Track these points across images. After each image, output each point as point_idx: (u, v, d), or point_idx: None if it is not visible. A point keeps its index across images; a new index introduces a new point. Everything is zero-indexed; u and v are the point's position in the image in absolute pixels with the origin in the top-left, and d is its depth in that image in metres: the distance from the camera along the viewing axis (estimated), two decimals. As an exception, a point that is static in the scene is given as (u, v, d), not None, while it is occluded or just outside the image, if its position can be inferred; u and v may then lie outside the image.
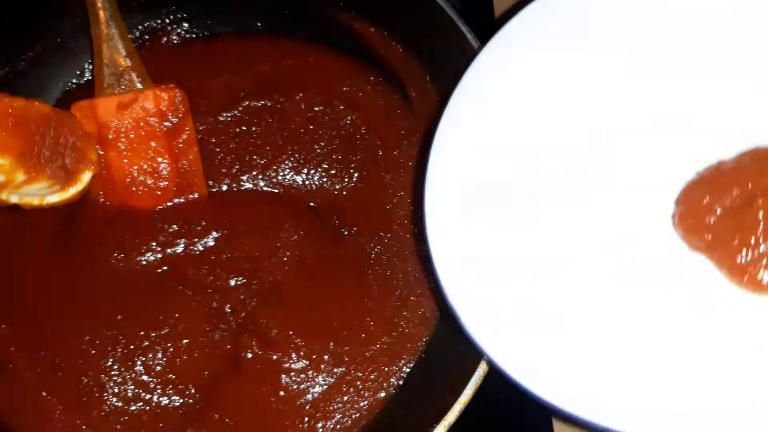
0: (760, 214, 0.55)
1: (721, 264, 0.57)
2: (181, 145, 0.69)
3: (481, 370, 0.57)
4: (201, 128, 0.71)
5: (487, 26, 0.84)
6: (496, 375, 0.54)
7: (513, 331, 0.55)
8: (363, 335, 0.67)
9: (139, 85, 0.68)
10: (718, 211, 0.57)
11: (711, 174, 0.59)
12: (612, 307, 0.57)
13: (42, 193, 0.62)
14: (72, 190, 0.64)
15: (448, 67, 0.68)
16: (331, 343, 0.66)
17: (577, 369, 0.54)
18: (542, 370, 0.54)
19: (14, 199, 0.59)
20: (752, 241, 0.55)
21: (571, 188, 0.60)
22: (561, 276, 0.58)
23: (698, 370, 0.54)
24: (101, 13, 0.66)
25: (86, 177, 0.64)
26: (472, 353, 0.57)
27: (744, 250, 0.56)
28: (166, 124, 0.68)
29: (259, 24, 0.77)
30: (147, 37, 0.76)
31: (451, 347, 0.64)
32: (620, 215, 0.59)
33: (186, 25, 0.77)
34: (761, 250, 0.55)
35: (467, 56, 0.63)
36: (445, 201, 0.59)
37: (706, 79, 0.60)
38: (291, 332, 0.65)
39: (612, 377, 0.54)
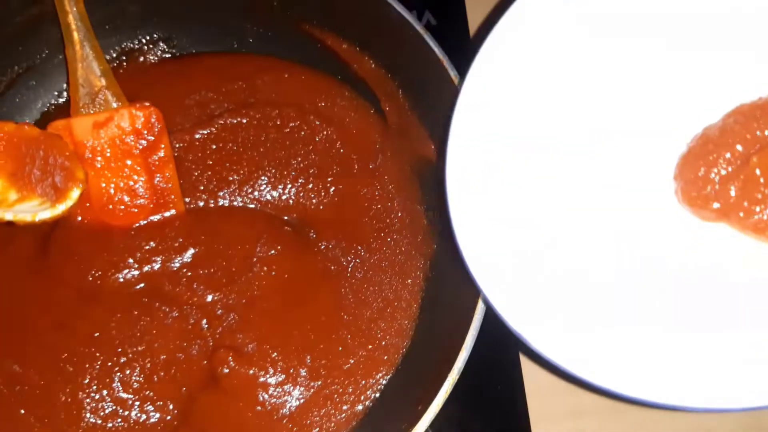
0: (758, 171, 0.56)
1: (742, 227, 0.58)
2: (157, 163, 0.69)
3: (451, 378, 0.57)
4: (177, 146, 0.72)
5: (463, 41, 0.86)
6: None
7: (513, 278, 0.57)
8: (340, 348, 0.67)
9: (114, 105, 0.69)
10: (717, 179, 0.58)
11: (698, 144, 0.60)
12: (611, 267, 0.59)
13: (34, 210, 0.64)
14: (62, 207, 0.65)
15: (419, 81, 0.69)
16: (308, 357, 0.66)
17: (565, 318, 0.57)
18: (534, 316, 0.56)
19: (8, 216, 0.61)
20: (760, 196, 0.56)
21: (576, 168, 0.61)
22: (564, 232, 0.60)
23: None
24: (75, 34, 0.67)
25: (75, 194, 0.66)
26: (446, 363, 0.58)
27: (758, 208, 0.56)
28: (142, 142, 0.69)
29: (235, 44, 0.78)
30: (124, 57, 0.77)
31: (427, 357, 0.65)
32: (626, 196, 0.61)
33: (163, 44, 0.77)
34: None
35: (436, 70, 0.64)
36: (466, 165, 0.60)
37: (686, 53, 0.61)
38: (267, 347, 0.66)
39: (601, 333, 0.56)
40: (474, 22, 0.86)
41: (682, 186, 0.59)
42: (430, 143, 0.70)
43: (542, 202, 0.60)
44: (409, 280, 0.70)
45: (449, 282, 0.67)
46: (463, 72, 0.61)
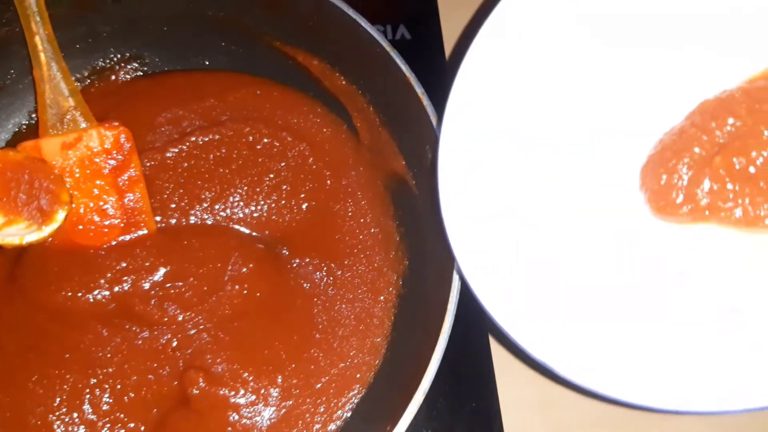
0: (722, 171, 0.56)
1: (731, 225, 0.58)
2: (127, 182, 0.69)
3: (417, 398, 0.56)
4: (148, 164, 0.72)
5: (437, 54, 0.86)
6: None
7: (496, 270, 0.58)
8: (312, 367, 0.67)
9: (83, 125, 0.69)
10: (680, 184, 0.58)
11: (656, 152, 0.60)
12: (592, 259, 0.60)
13: (21, 233, 0.64)
14: (48, 229, 0.66)
15: (389, 98, 0.69)
16: (279, 377, 0.66)
17: (556, 317, 0.57)
18: (523, 314, 0.56)
19: None
20: (731, 195, 0.57)
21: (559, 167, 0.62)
22: (553, 231, 0.60)
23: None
24: (41, 56, 0.67)
25: (60, 216, 0.66)
26: (415, 382, 0.57)
27: (739, 201, 0.57)
28: (111, 162, 0.69)
29: (207, 61, 0.78)
30: (95, 76, 0.77)
31: (398, 375, 0.65)
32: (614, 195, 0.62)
33: (134, 63, 0.77)
34: (748, 194, 0.56)
35: (404, 88, 0.64)
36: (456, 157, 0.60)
37: (662, 51, 0.61)
38: (238, 366, 0.65)
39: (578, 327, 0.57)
40: (448, 36, 0.86)
41: (648, 196, 0.60)
42: (401, 159, 0.70)
43: (531, 201, 0.61)
44: (382, 297, 0.70)
45: (421, 298, 0.67)
46: (448, 78, 0.60)
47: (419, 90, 0.63)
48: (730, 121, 0.57)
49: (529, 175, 0.60)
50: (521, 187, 0.61)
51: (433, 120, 0.62)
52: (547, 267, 0.59)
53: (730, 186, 0.57)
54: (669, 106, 0.62)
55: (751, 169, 0.57)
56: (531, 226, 0.60)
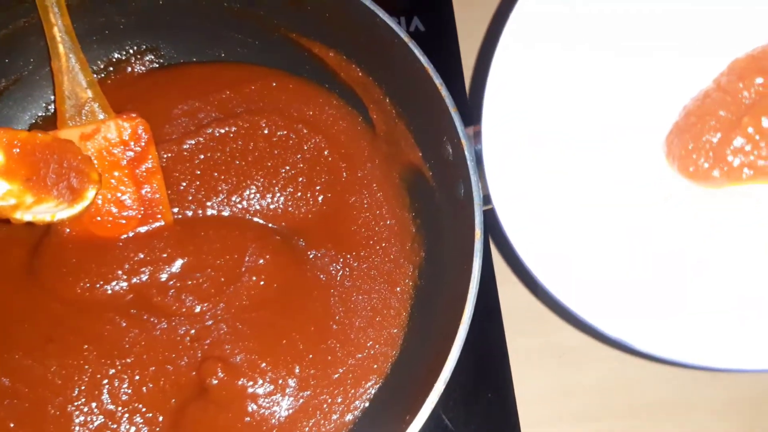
0: (750, 129, 0.57)
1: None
2: (144, 174, 0.69)
3: (437, 388, 0.56)
4: (165, 156, 0.72)
5: (452, 46, 0.86)
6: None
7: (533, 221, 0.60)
8: (329, 358, 0.67)
9: (101, 116, 0.69)
10: (708, 147, 0.58)
11: (681, 119, 0.61)
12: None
13: (52, 211, 0.64)
14: (79, 207, 0.66)
15: (406, 89, 0.69)
16: (297, 367, 0.66)
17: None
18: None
19: (28, 217, 0.62)
20: (765, 152, 0.57)
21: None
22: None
23: None
24: (60, 47, 0.67)
25: (91, 194, 0.66)
26: (434, 372, 0.58)
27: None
28: (129, 153, 0.69)
29: (222, 53, 0.78)
30: (111, 68, 0.77)
31: (415, 365, 0.65)
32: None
33: (150, 55, 0.77)
34: None
35: (422, 79, 0.64)
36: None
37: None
38: (256, 357, 0.66)
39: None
40: (463, 28, 0.87)
41: (677, 164, 0.60)
42: (417, 151, 0.70)
43: (550, 196, 0.62)
44: (398, 288, 0.70)
45: (438, 290, 0.67)
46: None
47: (438, 81, 0.63)
48: (759, 81, 0.57)
49: (562, 156, 0.61)
50: (557, 168, 0.61)
51: (452, 110, 0.62)
52: (583, 245, 0.60)
53: (764, 144, 0.57)
54: (696, 72, 0.62)
55: None
56: (564, 205, 0.61)
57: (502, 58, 0.61)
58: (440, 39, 0.86)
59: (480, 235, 0.59)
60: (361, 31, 0.67)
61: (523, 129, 0.61)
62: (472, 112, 0.69)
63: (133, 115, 0.69)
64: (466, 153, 0.61)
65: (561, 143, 0.61)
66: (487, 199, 0.63)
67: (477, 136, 0.63)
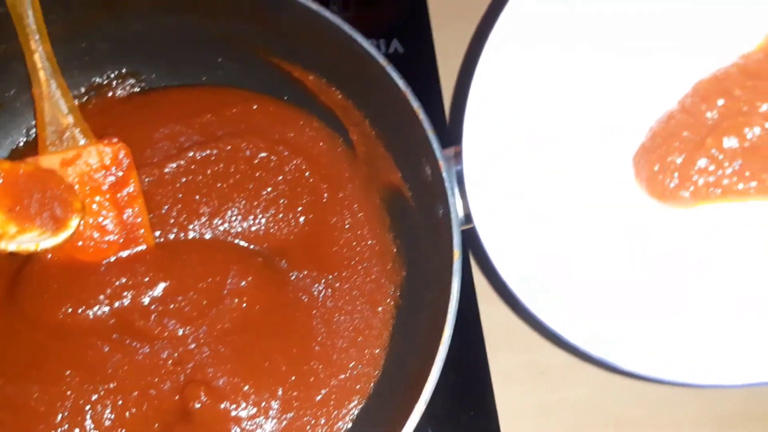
0: (714, 151, 0.58)
1: (739, 197, 0.60)
2: (126, 198, 0.70)
3: (419, 408, 0.57)
4: (147, 180, 0.72)
5: (431, 67, 0.87)
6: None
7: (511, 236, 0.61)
8: (311, 379, 0.67)
9: (82, 141, 0.69)
10: (673, 168, 0.59)
11: (647, 139, 0.62)
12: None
13: (36, 240, 0.65)
14: (63, 236, 0.66)
15: (385, 112, 0.70)
16: (280, 389, 0.66)
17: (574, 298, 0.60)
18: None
19: (12, 247, 0.63)
20: (730, 170, 0.58)
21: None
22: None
23: None
24: (41, 73, 0.68)
25: (74, 223, 0.67)
26: (415, 391, 0.58)
27: (734, 179, 0.58)
28: (110, 178, 0.69)
29: (203, 77, 0.78)
30: (93, 92, 0.77)
31: (397, 385, 0.65)
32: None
33: (131, 79, 0.78)
34: (750, 167, 0.58)
35: (400, 103, 0.65)
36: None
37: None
38: (239, 380, 0.66)
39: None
40: (441, 49, 0.88)
41: (645, 185, 0.61)
42: (397, 172, 0.71)
43: (547, 197, 0.63)
44: (380, 308, 0.71)
45: (418, 309, 0.68)
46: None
47: (415, 104, 0.64)
48: (720, 102, 0.59)
49: (543, 171, 0.62)
50: (538, 184, 0.62)
51: (429, 133, 0.63)
52: (565, 263, 0.61)
53: (727, 163, 0.59)
54: (667, 91, 0.63)
55: (746, 144, 0.58)
56: (546, 223, 0.62)
57: (481, 79, 0.62)
58: (419, 60, 0.87)
59: (458, 256, 0.60)
60: (340, 55, 0.68)
61: (503, 149, 0.62)
62: (452, 133, 0.70)
63: (114, 140, 0.69)
64: (444, 174, 0.62)
65: (542, 163, 0.62)
66: (468, 218, 0.64)
67: (458, 156, 0.64)
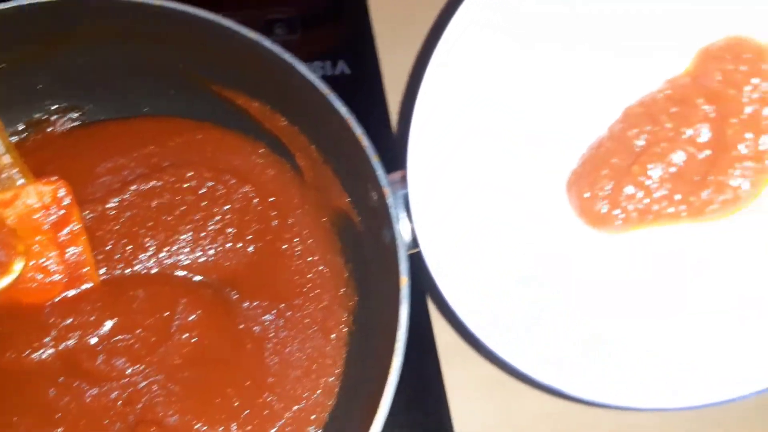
0: (641, 178, 0.59)
1: (672, 221, 0.61)
2: (68, 237, 0.68)
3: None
4: (90, 216, 0.71)
5: (377, 87, 0.87)
6: None
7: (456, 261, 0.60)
8: (266, 412, 0.66)
9: (20, 182, 0.67)
10: (603, 196, 0.60)
11: (579, 166, 0.62)
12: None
13: None
14: (6, 281, 0.65)
15: (330, 137, 0.69)
16: (234, 425, 0.65)
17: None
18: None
19: None
20: (657, 195, 0.59)
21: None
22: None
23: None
24: (-27, 115, 0.66)
25: (18, 267, 0.66)
26: (368, 420, 0.58)
27: (663, 203, 0.59)
28: (51, 217, 0.67)
29: (146, 108, 0.77)
30: (32, 129, 0.76)
31: (351, 414, 0.65)
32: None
33: (72, 114, 0.76)
34: (680, 191, 0.58)
35: (344, 129, 0.64)
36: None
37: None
38: (190, 417, 0.65)
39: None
40: (388, 70, 0.88)
41: (577, 212, 0.61)
42: (345, 196, 0.71)
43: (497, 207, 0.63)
44: (333, 335, 0.70)
45: (371, 335, 0.67)
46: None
47: (358, 131, 0.64)
48: (647, 128, 0.60)
49: (490, 194, 0.62)
50: (485, 208, 0.62)
51: (373, 159, 0.63)
52: (514, 288, 0.61)
53: (655, 188, 0.59)
54: (600, 117, 0.64)
55: (672, 170, 0.59)
56: (493, 247, 0.62)
57: (423, 103, 0.62)
58: (365, 81, 0.87)
59: (406, 282, 0.59)
60: (282, 83, 0.68)
61: (448, 171, 0.62)
62: (398, 156, 0.70)
63: (54, 178, 0.68)
64: (389, 201, 0.62)
65: (488, 186, 0.62)
66: (416, 242, 0.64)
67: (404, 180, 0.64)
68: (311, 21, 0.89)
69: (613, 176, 0.59)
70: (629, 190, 0.59)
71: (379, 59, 0.87)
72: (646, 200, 0.59)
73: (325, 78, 0.86)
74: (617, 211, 0.59)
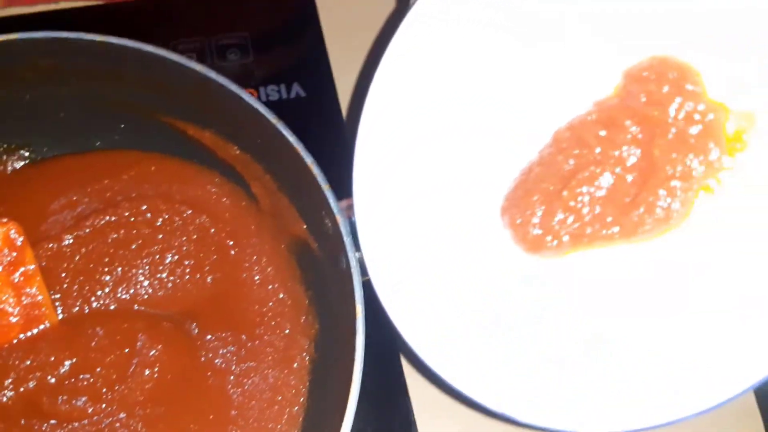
0: (572, 203, 0.59)
1: (608, 243, 0.61)
2: (22, 279, 0.67)
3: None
4: (45, 255, 0.70)
5: (333, 109, 0.87)
6: None
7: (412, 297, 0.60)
8: (229, 446, 0.66)
9: (-31, 225, 0.67)
10: (534, 221, 0.60)
11: (511, 191, 0.63)
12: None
13: None
14: None
15: (282, 165, 0.69)
16: (197, 460, 0.65)
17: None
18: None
19: None
20: (588, 217, 0.59)
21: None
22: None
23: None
24: None
25: None
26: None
27: (596, 225, 0.59)
28: (4, 259, 0.67)
29: (98, 142, 0.76)
30: (-18, 168, 0.75)
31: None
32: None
33: (22, 151, 0.76)
34: (611, 213, 0.58)
35: (294, 158, 0.64)
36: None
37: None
38: (153, 455, 0.64)
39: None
40: (343, 90, 0.88)
41: (512, 237, 0.61)
42: (302, 223, 0.71)
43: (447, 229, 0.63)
44: (296, 364, 0.70)
45: (332, 362, 0.67)
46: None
47: (308, 159, 0.63)
48: (575, 152, 0.60)
49: (438, 222, 0.62)
50: (433, 236, 0.62)
51: (324, 187, 0.63)
52: (462, 312, 0.61)
53: (586, 212, 0.59)
54: (529, 139, 0.64)
55: (601, 193, 0.59)
56: (443, 276, 0.62)
57: (366, 131, 0.62)
58: (321, 103, 0.86)
59: (361, 311, 0.59)
60: (231, 113, 0.68)
61: (395, 197, 0.62)
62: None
63: (4, 220, 0.67)
64: (342, 228, 0.62)
65: (434, 211, 0.62)
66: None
67: (351, 208, 0.64)
68: (264, 45, 0.89)
69: (544, 201, 0.60)
70: (560, 215, 0.59)
71: (334, 81, 0.88)
72: (576, 225, 0.59)
73: (281, 101, 0.87)
74: (549, 237, 0.59)
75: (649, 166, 0.58)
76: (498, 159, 0.63)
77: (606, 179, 0.59)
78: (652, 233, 0.59)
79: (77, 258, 0.71)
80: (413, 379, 0.77)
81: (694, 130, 0.58)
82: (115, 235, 0.72)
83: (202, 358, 0.69)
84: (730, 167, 0.59)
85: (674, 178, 0.58)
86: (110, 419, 0.65)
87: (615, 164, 0.59)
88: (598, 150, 0.59)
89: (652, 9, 0.59)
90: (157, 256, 0.72)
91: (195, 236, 0.73)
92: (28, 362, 0.66)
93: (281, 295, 0.72)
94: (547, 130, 0.62)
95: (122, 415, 0.66)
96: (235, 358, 0.69)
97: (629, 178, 0.59)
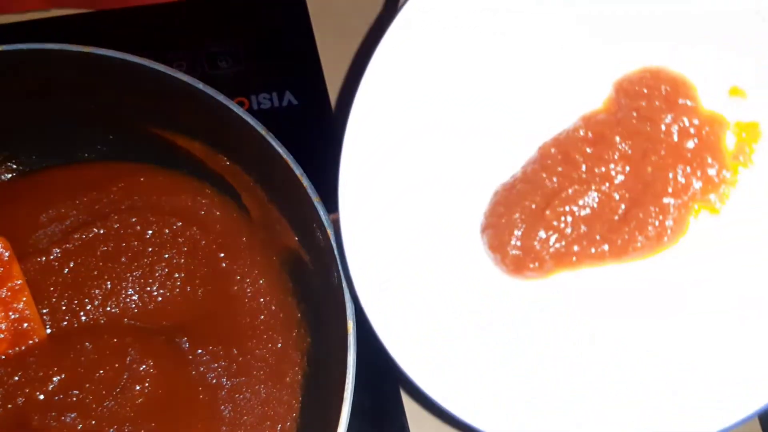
0: (555, 222, 0.58)
1: (602, 261, 0.59)
2: (10, 294, 0.66)
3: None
4: (33, 269, 0.69)
5: (325, 116, 0.86)
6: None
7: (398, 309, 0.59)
8: (221, 462, 0.65)
9: (-44, 241, 0.66)
10: (515, 241, 0.58)
11: (490, 207, 0.61)
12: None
13: None
14: None
15: (272, 176, 0.68)
16: (187, 477, 0.64)
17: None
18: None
19: None
20: (573, 236, 0.57)
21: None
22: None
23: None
24: None
25: None
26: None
27: (583, 243, 0.58)
28: (-9, 275, 0.66)
29: (86, 154, 0.75)
30: (-31, 181, 0.74)
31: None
32: None
33: (9, 164, 0.75)
34: (598, 231, 0.57)
35: (284, 170, 0.63)
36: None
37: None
38: (143, 472, 0.63)
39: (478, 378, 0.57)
40: (335, 98, 0.86)
41: (492, 258, 0.60)
42: (293, 235, 0.70)
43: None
44: (288, 378, 0.69)
45: (325, 376, 0.66)
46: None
47: (298, 171, 0.63)
48: (559, 169, 0.58)
49: (412, 257, 0.61)
50: (419, 251, 0.61)
51: (315, 200, 0.62)
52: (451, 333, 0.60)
53: (570, 231, 0.58)
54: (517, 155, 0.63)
55: (586, 212, 0.58)
56: (430, 293, 0.61)
57: (350, 146, 0.60)
58: (314, 111, 0.85)
59: (352, 327, 0.59)
60: (220, 123, 0.66)
61: (380, 214, 0.60)
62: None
63: (-9, 234, 0.66)
64: (333, 241, 0.61)
65: (419, 227, 0.61)
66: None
67: (337, 223, 0.63)
68: (256, 53, 0.88)
69: (526, 220, 0.58)
70: (543, 234, 0.58)
71: (326, 89, 0.86)
72: (559, 244, 0.58)
73: (273, 110, 0.86)
74: (532, 257, 0.58)
75: (640, 183, 0.57)
76: (484, 169, 0.61)
77: (592, 197, 0.57)
78: (646, 252, 0.58)
79: (66, 271, 0.70)
80: (409, 396, 0.76)
81: (689, 144, 0.57)
82: (104, 248, 0.71)
83: (193, 373, 0.68)
84: (733, 182, 0.58)
85: (667, 195, 0.56)
86: (100, 434, 0.65)
87: (602, 182, 0.57)
88: (584, 168, 0.58)
89: (649, 12, 0.58)
90: (147, 269, 0.71)
91: (185, 248, 0.72)
92: (17, 378, 0.66)
93: (273, 308, 0.71)
94: (534, 139, 0.61)
95: (112, 430, 0.65)
96: (226, 372, 0.68)
97: (617, 195, 0.58)
